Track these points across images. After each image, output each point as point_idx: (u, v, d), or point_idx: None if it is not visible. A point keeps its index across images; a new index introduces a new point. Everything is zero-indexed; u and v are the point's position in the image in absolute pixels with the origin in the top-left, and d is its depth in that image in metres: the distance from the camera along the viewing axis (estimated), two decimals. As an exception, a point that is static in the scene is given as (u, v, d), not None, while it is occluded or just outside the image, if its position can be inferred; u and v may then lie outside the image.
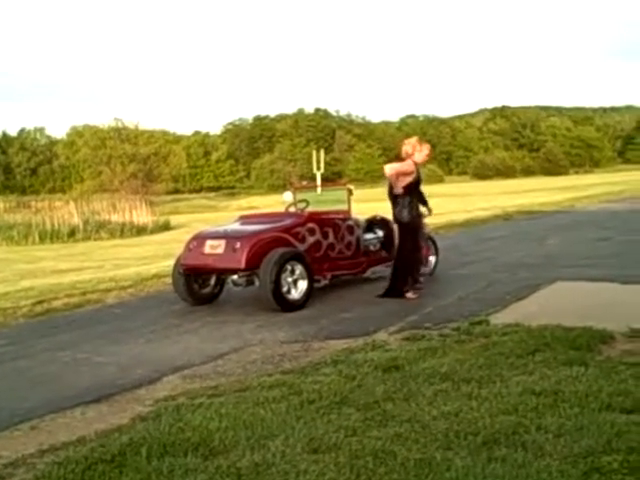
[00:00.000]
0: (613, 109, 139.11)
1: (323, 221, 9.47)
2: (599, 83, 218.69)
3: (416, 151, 9.06)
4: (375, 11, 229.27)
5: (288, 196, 10.46)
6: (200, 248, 8.96)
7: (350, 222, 9.88)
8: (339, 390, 5.29)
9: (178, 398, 5.55)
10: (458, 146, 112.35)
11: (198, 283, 9.31)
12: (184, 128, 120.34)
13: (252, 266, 8.47)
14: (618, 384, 4.97)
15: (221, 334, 7.75)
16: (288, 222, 9.16)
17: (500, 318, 7.41)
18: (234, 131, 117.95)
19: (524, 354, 5.97)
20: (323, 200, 10.30)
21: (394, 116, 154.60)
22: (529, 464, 3.80)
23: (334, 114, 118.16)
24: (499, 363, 5.76)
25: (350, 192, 10.15)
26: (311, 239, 9.18)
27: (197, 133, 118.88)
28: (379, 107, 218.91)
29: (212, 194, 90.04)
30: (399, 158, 9.23)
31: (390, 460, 3.98)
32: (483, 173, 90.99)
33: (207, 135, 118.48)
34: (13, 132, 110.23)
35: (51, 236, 27.23)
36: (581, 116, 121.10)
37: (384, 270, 10.65)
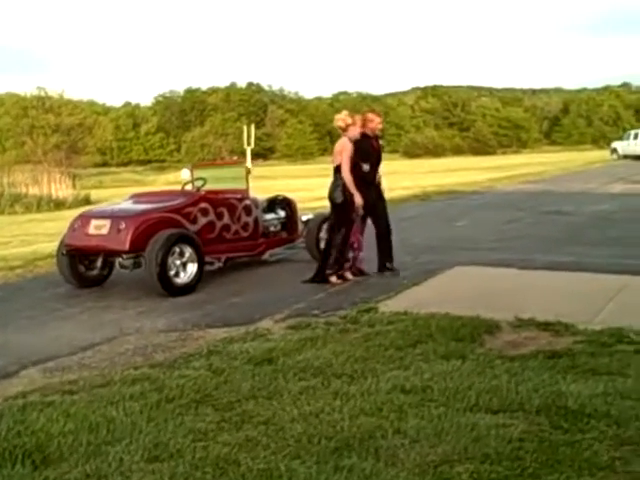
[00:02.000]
0: (542, 91, 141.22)
1: (218, 201, 9.05)
2: (530, 65, 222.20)
3: (350, 125, 8.54)
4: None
5: (185, 174, 10.00)
6: (84, 228, 8.45)
7: (248, 202, 9.49)
8: (203, 386, 4.95)
9: (30, 395, 5.11)
10: (390, 124, 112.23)
11: (84, 265, 8.80)
12: (114, 99, 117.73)
13: (138, 248, 8.02)
14: (490, 380, 4.76)
15: (98, 321, 7.31)
16: (179, 202, 8.71)
17: (390, 306, 7.16)
18: (165, 103, 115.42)
19: (404, 346, 5.74)
20: (223, 178, 9.85)
21: (327, 92, 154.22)
22: (377, 474, 3.53)
23: (267, 89, 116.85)
24: (376, 356, 5.51)
25: (248, 171, 9.74)
26: (204, 220, 8.77)
27: (127, 104, 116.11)
28: (312, 83, 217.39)
29: (140, 168, 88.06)
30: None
31: (232, 470, 3.67)
32: (413, 152, 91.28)
33: (137, 107, 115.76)
34: None
35: (-39, 209, 26.07)
36: (511, 97, 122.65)
37: (285, 252, 10.35)
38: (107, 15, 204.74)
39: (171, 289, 8.05)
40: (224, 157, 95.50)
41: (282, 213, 10.20)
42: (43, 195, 31.15)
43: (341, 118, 8.65)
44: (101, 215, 8.60)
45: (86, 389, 5.14)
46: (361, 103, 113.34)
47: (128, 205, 8.97)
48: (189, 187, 9.75)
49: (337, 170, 8.48)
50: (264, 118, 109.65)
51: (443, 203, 19.00)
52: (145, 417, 4.43)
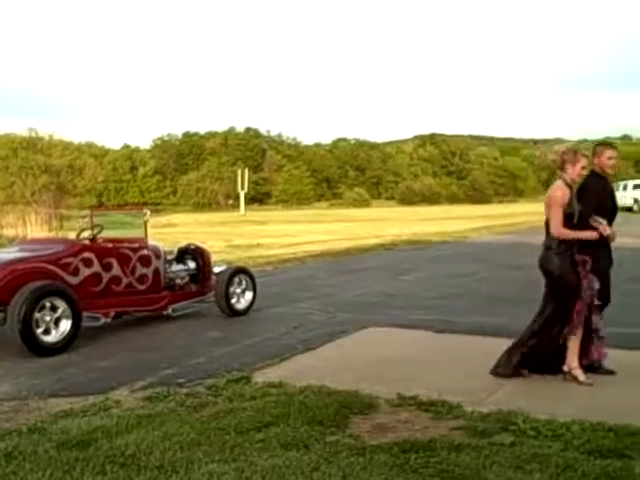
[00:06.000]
0: (543, 141, 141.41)
1: (105, 251, 8.20)
2: (531, 115, 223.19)
3: (568, 163, 5.97)
4: (310, 34, 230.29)
5: (83, 220, 9.18)
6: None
7: (146, 252, 8.64)
8: (-21, 478, 4.05)
9: None
10: (388, 171, 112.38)
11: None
12: (113, 142, 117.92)
13: (2, 301, 7.14)
14: (315, 484, 3.85)
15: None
16: (56, 251, 7.82)
17: (267, 374, 6.30)
18: (163, 146, 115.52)
19: (250, 429, 4.86)
20: (125, 224, 9.03)
21: (326, 138, 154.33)
22: None
23: (265, 134, 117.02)
24: (211, 441, 4.64)
25: (146, 217, 8.91)
26: (87, 271, 7.90)
27: (126, 147, 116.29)
28: (311, 129, 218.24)
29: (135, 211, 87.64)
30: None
31: None
32: (409, 199, 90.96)
33: (136, 149, 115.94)
34: None
35: None
36: (510, 146, 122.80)
37: (198, 306, 9.48)
38: (107, 58, 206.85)
39: (38, 348, 7.16)
40: (218, 201, 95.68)
41: (192, 264, 9.36)
42: (18, 236, 30.46)
43: (561, 152, 6.22)
44: (-29, 263, 7.75)
45: None
46: (359, 150, 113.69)
47: (2, 254, 8.12)
48: (86, 234, 8.87)
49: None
50: (262, 163, 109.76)
51: (406, 253, 18.15)
52: None
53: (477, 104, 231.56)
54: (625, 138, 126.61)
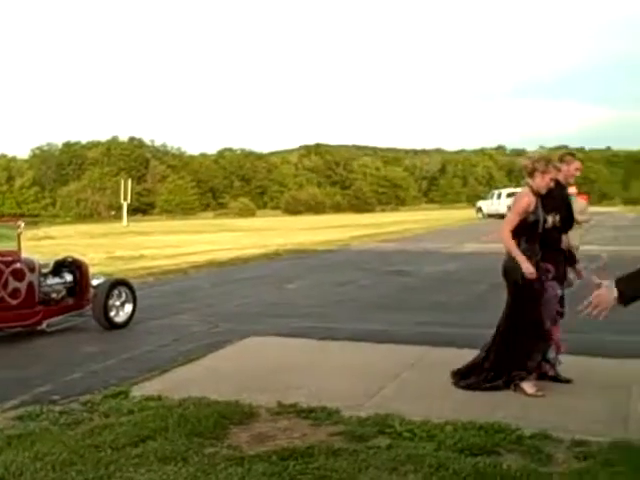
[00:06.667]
0: (423, 151, 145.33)
1: (-28, 265, 7.84)
2: (413, 126, 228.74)
3: (538, 172, 5.91)
4: (191, 43, 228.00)
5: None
6: None
7: (18, 265, 8.30)
8: None
9: None
10: (273, 181, 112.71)
11: None
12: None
13: None
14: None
15: None
16: None
17: (146, 388, 6.17)
18: (42, 156, 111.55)
19: (127, 444, 4.74)
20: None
21: (212, 148, 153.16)
22: None
23: (149, 143, 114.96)
24: (85, 459, 4.49)
25: (20, 230, 8.58)
26: (-49, 286, 7.53)
27: (2, 157, 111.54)
28: (197, 139, 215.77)
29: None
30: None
31: None
32: (295, 208, 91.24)
33: (13, 159, 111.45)
34: None
35: None
36: (392, 156, 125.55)
37: (75, 320, 9.19)
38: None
39: None
40: (100, 212, 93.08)
41: (69, 277, 9.07)
42: None
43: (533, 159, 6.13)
44: None
45: None
46: (245, 160, 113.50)
47: None
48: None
49: None
50: (145, 173, 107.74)
51: (289, 262, 18.23)
52: None
53: (361, 115, 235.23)
54: (500, 148, 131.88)
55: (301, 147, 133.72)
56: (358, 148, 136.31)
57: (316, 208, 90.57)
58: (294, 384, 6.18)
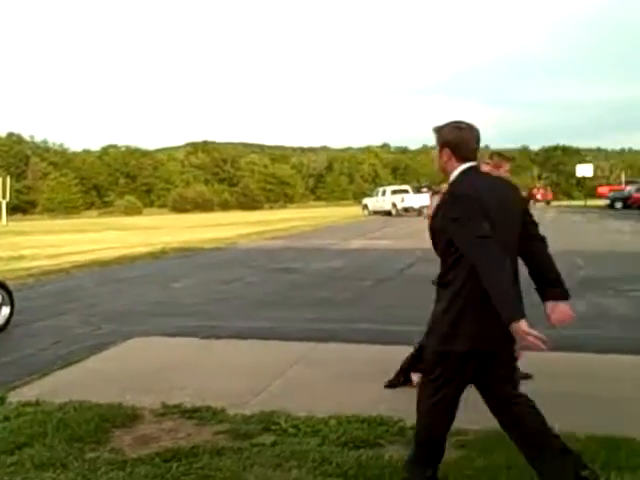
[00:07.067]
0: (310, 149, 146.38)
1: None
2: (300, 124, 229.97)
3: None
4: (75, 35, 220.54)
5: None
6: None
7: None
8: None
9: None
10: (160, 178, 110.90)
11: None
12: None
13: None
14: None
15: None
16: None
17: (24, 393, 5.94)
18: None
19: (2, 452, 4.60)
20: None
21: (95, 145, 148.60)
22: None
23: (28, 139, 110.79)
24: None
25: None
26: None
27: None
28: (80, 135, 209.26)
29: None
30: None
31: None
32: (182, 206, 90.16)
33: None
34: None
35: None
36: (280, 154, 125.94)
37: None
38: None
39: None
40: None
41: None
42: None
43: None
44: None
45: None
46: (130, 157, 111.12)
47: None
48: None
49: None
50: (25, 170, 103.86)
51: (177, 261, 17.97)
52: None
53: (248, 112, 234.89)
54: (385, 146, 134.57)
55: (188, 144, 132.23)
56: (246, 145, 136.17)
57: (204, 206, 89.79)
58: (179, 384, 6.10)
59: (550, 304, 3.66)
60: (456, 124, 3.60)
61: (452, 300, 3.45)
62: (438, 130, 3.64)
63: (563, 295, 3.67)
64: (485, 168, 5.75)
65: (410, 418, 5.00)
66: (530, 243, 3.70)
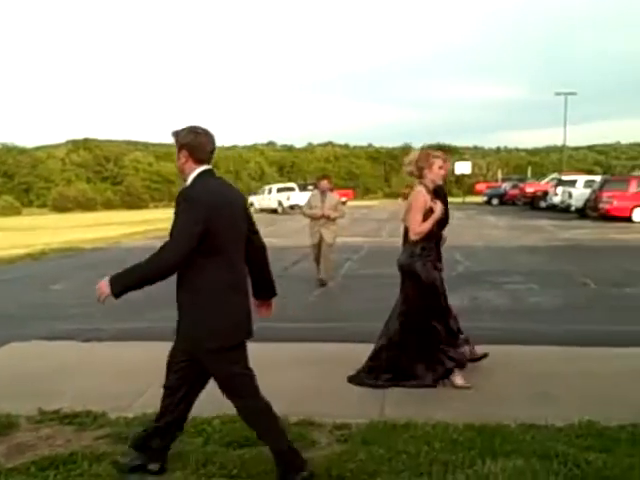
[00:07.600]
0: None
1: None
2: (183, 121, 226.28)
3: (425, 169, 5.98)
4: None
5: None
6: None
7: None
8: None
9: None
10: (39, 177, 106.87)
11: None
12: None
13: None
14: None
15: None
16: None
17: None
18: None
19: None
20: None
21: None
22: None
23: None
24: None
25: None
26: None
27: None
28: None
29: None
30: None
31: None
32: (63, 205, 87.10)
33: None
34: None
35: None
36: (165, 152, 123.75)
37: None
38: None
39: None
40: None
41: None
42: None
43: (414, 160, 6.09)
44: None
45: None
46: (7, 155, 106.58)
47: None
48: None
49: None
50: None
51: (57, 262, 17.37)
52: None
53: (131, 110, 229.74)
54: (270, 144, 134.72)
55: (68, 142, 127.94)
56: (129, 143, 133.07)
57: (86, 205, 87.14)
58: (57, 389, 5.92)
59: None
60: (193, 129, 3.96)
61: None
62: (176, 134, 3.99)
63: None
64: (438, 163, 5.96)
65: (294, 414, 5.04)
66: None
